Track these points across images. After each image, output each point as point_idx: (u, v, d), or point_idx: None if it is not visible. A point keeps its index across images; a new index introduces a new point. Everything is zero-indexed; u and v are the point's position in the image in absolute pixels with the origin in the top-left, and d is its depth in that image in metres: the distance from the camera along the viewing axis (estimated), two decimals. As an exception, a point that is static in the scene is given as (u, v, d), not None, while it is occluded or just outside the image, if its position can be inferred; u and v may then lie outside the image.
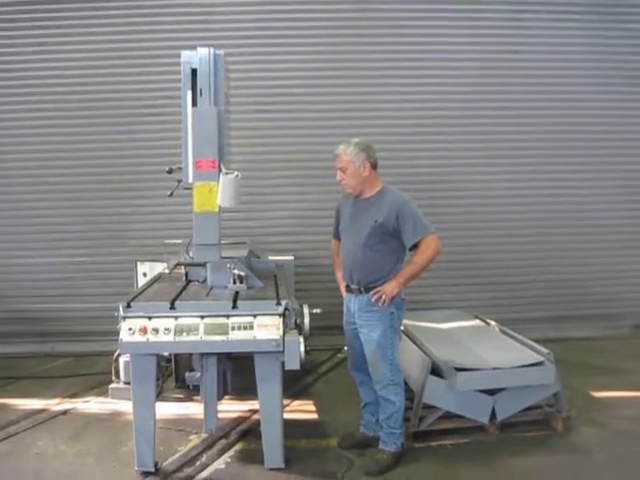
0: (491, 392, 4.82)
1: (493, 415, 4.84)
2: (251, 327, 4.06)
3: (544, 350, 5.06)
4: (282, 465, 4.35)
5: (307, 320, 4.56)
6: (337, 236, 4.74)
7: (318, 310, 4.61)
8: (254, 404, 4.94)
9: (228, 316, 4.10)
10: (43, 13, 7.18)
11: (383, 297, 4.27)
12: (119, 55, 7.26)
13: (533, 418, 5.03)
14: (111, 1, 7.23)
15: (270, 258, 5.92)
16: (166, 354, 5.56)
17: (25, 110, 7.29)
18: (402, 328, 4.78)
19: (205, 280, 4.72)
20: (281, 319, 4.09)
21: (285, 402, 4.73)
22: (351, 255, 4.44)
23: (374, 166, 4.41)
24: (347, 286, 4.56)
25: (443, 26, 7.45)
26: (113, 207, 7.40)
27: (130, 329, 4.04)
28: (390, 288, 4.28)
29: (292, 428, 4.75)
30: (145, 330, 4.04)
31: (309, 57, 7.38)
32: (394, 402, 4.41)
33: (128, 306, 4.12)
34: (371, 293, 4.33)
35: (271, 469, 4.34)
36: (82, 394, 5.95)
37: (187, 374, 5.05)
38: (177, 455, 4.63)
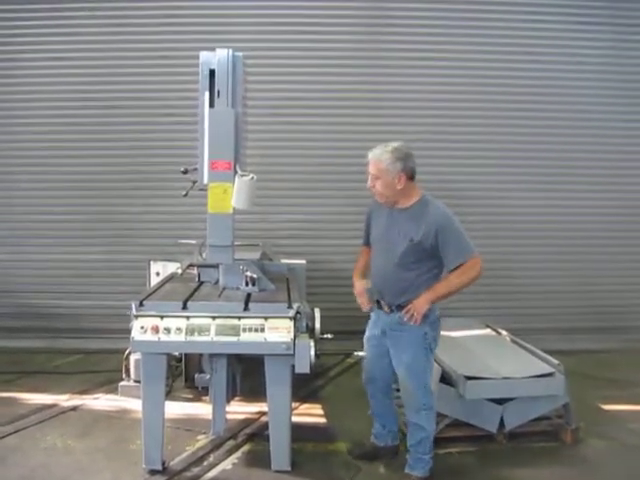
0: (500, 401, 4.80)
1: (501, 424, 4.83)
2: (262, 329, 4.07)
3: (554, 361, 5.04)
4: (289, 468, 4.35)
5: (318, 324, 4.54)
6: (367, 243, 4.44)
7: (329, 336, 4.57)
8: (262, 406, 4.93)
9: (240, 318, 4.11)
10: (61, 12, 7.26)
11: (415, 315, 3.98)
12: (136, 55, 7.32)
13: (542, 429, 5.00)
14: (130, 1, 7.30)
15: (282, 261, 5.91)
16: (177, 354, 5.58)
17: (41, 108, 7.36)
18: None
19: (217, 281, 4.74)
20: (292, 322, 4.10)
21: (294, 405, 4.74)
22: (382, 272, 4.16)
23: (411, 177, 4.03)
24: (377, 302, 4.27)
25: (461, 34, 7.45)
26: (128, 206, 7.45)
27: (142, 328, 4.07)
28: (419, 305, 3.96)
29: (300, 431, 4.74)
30: (157, 329, 4.06)
31: (326, 62, 7.39)
32: (425, 428, 4.18)
33: (141, 305, 4.14)
34: (403, 312, 4.03)
35: (277, 471, 4.34)
36: (92, 391, 5.97)
37: (197, 375, 5.05)
38: (185, 454, 4.65)
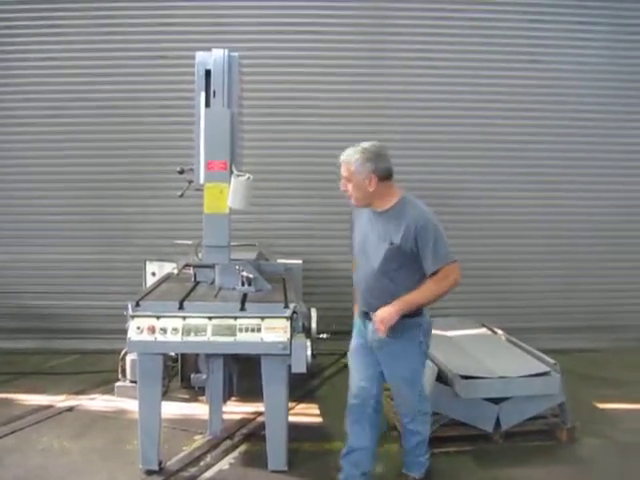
0: (496, 401, 4.81)
1: (497, 424, 4.83)
2: (259, 329, 4.09)
3: (550, 360, 5.07)
4: (285, 468, 4.36)
5: (314, 324, 4.54)
6: None
7: (326, 336, 4.56)
8: (259, 406, 4.93)
9: (236, 318, 4.13)
10: (56, 12, 7.25)
11: (381, 328, 3.66)
12: (132, 55, 7.32)
13: (537, 428, 5.01)
14: (127, 1, 7.29)
15: (279, 261, 5.92)
16: (173, 354, 5.58)
17: (37, 108, 7.36)
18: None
19: (214, 281, 4.74)
20: (289, 322, 4.11)
21: (290, 405, 4.73)
22: (365, 281, 3.89)
23: (385, 177, 3.76)
24: (365, 312, 3.96)
25: (456, 34, 7.47)
26: (124, 206, 7.44)
27: (138, 328, 4.07)
28: (388, 316, 3.64)
29: (296, 431, 4.74)
30: (153, 329, 4.07)
31: (323, 62, 7.41)
32: (420, 432, 4.10)
33: (137, 305, 4.15)
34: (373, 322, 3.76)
35: (274, 471, 4.35)
36: (88, 391, 5.97)
37: (193, 376, 5.06)
38: (181, 455, 4.65)
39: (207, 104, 4.54)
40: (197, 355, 5.03)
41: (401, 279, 3.76)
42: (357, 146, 3.81)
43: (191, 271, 5.02)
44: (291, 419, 4.57)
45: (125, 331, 4.12)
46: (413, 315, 3.78)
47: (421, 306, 3.79)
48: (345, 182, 3.83)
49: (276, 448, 4.34)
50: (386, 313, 3.65)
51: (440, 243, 3.68)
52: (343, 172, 3.83)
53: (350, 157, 3.77)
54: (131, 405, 5.25)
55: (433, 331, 5.70)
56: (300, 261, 6.14)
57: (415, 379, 3.98)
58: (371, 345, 3.92)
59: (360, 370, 4.03)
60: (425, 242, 3.66)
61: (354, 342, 4.11)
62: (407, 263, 3.74)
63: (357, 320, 4.11)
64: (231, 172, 4.43)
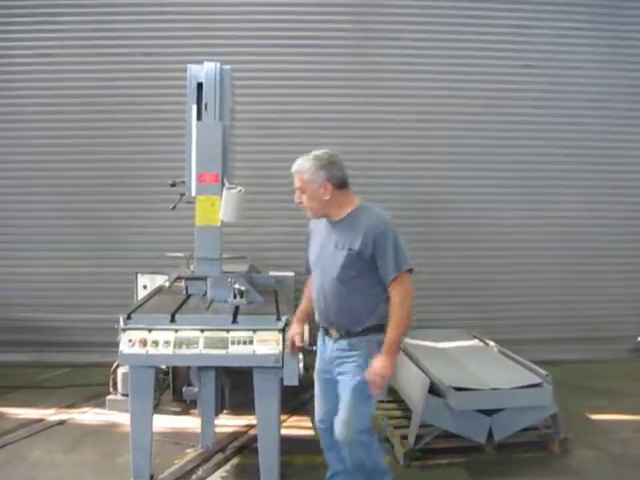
0: (488, 412, 4.80)
1: (490, 435, 4.82)
2: (251, 342, 4.08)
3: (542, 372, 5.06)
4: (278, 481, 4.34)
5: (307, 336, 4.53)
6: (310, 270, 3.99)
7: (314, 348, 4.56)
8: (251, 419, 4.94)
9: (228, 330, 4.12)
10: (50, 25, 7.28)
11: (379, 381, 3.52)
12: (127, 68, 7.33)
13: (530, 439, 5.01)
14: (119, 11, 7.31)
15: (270, 273, 5.93)
16: (164, 367, 5.56)
17: (28, 121, 7.36)
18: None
19: (205, 294, 4.74)
20: (281, 335, 4.11)
21: (282, 418, 4.72)
22: (323, 294, 3.77)
23: (340, 185, 3.66)
24: (325, 329, 3.88)
25: (449, 39, 7.54)
26: (115, 218, 7.43)
27: (130, 341, 4.05)
28: (385, 370, 3.51)
29: (289, 444, 4.73)
30: (145, 342, 4.05)
31: (313, 75, 7.44)
32: (365, 463, 3.83)
33: (128, 318, 4.14)
34: (368, 379, 3.56)
35: (266, 484, 4.32)
36: (79, 405, 5.94)
37: (185, 389, 5.04)
38: (173, 468, 4.63)
39: (199, 117, 4.55)
40: (189, 368, 5.01)
41: (360, 288, 3.64)
42: (308, 155, 3.71)
43: (183, 284, 5.00)
44: (283, 432, 4.57)
45: (117, 344, 4.10)
46: (377, 332, 3.65)
47: (404, 333, 3.65)
48: (299, 194, 3.72)
49: (268, 461, 4.31)
50: (382, 368, 3.52)
51: (399, 249, 3.57)
52: (296, 183, 3.71)
53: (302, 166, 3.67)
54: (122, 418, 5.23)
55: (425, 342, 5.75)
56: (292, 273, 6.13)
57: (363, 395, 3.66)
58: (330, 362, 3.83)
59: (324, 397, 4.00)
60: (384, 248, 3.55)
61: (317, 365, 4.02)
62: (365, 271, 3.62)
63: (318, 337, 3.99)
64: (223, 185, 4.44)
